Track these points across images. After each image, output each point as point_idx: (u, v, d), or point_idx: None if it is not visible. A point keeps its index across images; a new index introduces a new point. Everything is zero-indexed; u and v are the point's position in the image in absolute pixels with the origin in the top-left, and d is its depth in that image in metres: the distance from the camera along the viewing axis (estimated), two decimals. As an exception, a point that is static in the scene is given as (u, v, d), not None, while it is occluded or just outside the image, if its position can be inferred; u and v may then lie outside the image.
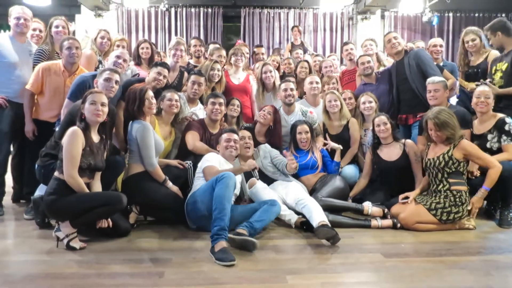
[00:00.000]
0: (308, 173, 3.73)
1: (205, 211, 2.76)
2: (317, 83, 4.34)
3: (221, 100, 3.67)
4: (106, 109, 2.77)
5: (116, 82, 3.20)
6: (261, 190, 3.18)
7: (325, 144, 3.82)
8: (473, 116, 3.54)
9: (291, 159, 3.22)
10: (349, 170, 3.95)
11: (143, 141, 3.06)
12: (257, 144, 3.81)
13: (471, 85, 3.82)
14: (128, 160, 3.22)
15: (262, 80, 4.45)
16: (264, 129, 3.96)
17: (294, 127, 3.87)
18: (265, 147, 3.74)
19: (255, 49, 5.54)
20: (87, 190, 2.66)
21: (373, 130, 3.70)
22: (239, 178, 3.21)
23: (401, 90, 4.04)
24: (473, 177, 3.23)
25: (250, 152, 3.55)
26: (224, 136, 3.28)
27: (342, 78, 4.95)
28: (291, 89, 4.06)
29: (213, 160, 3.07)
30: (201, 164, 3.09)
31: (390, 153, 3.65)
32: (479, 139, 3.36)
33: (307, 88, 4.40)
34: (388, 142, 3.69)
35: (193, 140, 3.46)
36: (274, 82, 4.47)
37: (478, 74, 3.93)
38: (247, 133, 3.60)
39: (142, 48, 4.59)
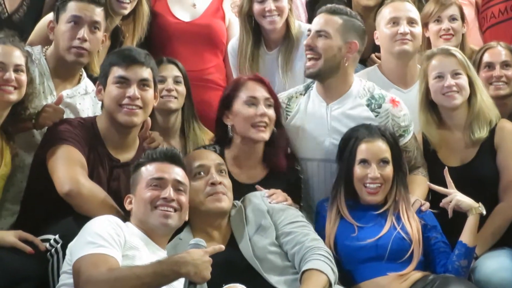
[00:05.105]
0: (381, 272, 3.01)
1: None
2: (411, 22, 3.57)
3: (145, 73, 3.04)
4: None
5: None
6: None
7: (433, 201, 3.32)
8: None
9: None
10: (496, 265, 3.17)
11: None
12: (240, 189, 3.16)
13: None
14: None
15: (254, 17, 3.85)
16: (258, 148, 3.31)
17: (349, 142, 3.27)
18: (261, 201, 3.11)
19: None
20: None
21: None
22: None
23: None
24: None
25: (225, 205, 2.97)
26: (149, 171, 2.78)
27: (482, 10, 4.27)
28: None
29: (106, 239, 2.48)
30: (74, 246, 2.54)
31: None
32: None
33: (384, 35, 3.67)
34: None
35: (71, 172, 2.92)
36: (287, 21, 3.82)
37: None
38: (216, 159, 3.10)
39: None
